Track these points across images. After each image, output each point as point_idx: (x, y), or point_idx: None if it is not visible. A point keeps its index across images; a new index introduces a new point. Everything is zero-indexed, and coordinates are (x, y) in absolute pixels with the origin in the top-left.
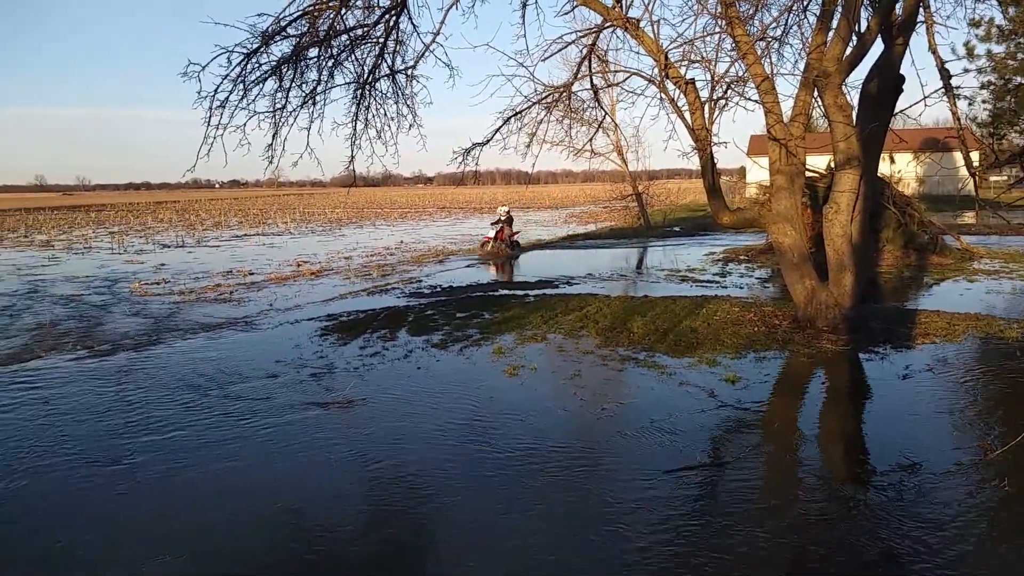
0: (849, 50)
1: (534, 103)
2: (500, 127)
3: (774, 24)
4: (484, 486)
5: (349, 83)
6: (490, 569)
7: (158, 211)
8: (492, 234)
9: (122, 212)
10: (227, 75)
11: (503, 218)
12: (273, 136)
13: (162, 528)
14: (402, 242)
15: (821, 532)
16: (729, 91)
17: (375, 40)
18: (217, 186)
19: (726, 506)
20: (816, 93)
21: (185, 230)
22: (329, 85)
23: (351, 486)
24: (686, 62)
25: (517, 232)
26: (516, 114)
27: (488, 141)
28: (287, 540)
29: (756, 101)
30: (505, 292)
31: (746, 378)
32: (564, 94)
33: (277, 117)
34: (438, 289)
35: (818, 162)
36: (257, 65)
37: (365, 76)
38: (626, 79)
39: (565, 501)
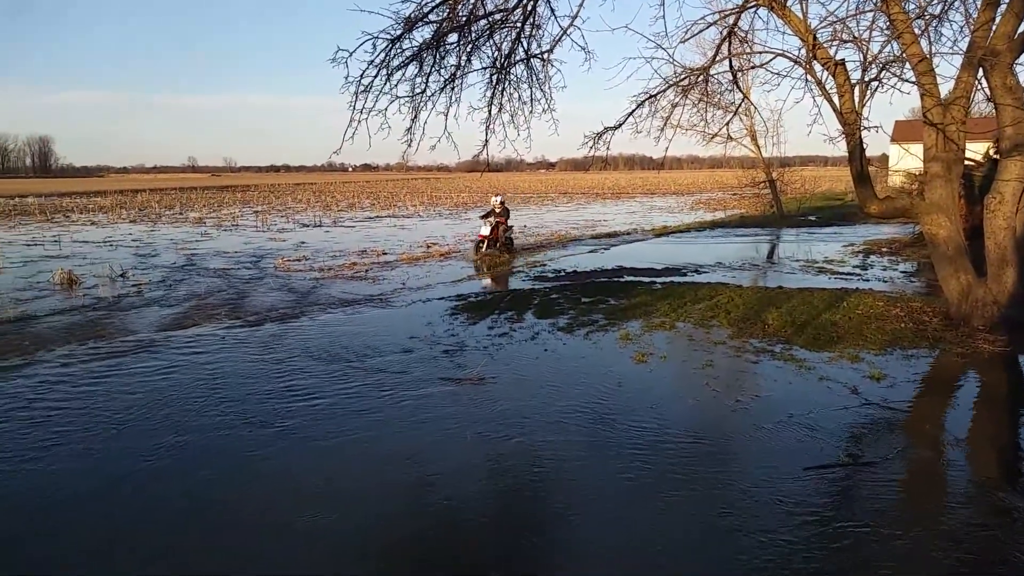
0: (1023, 28)
1: (670, 86)
2: (633, 111)
3: (934, 0)
4: (609, 471)
5: (485, 68)
6: (608, 551)
7: (297, 192)
8: (487, 231)
9: (265, 193)
10: (372, 61)
11: (497, 210)
12: (412, 120)
13: (311, 488)
14: (525, 227)
15: (977, 542)
16: (882, 73)
17: (512, 24)
18: (350, 169)
19: (870, 509)
20: (980, 74)
21: (322, 211)
22: (467, 70)
23: (483, 461)
24: (836, 42)
25: (511, 228)
26: (650, 97)
27: (621, 125)
28: (423, 507)
29: (912, 83)
30: (631, 279)
31: (892, 376)
32: (701, 77)
33: (417, 101)
34: (562, 273)
35: (974, 149)
36: (400, 51)
37: (501, 61)
38: (769, 61)
39: (694, 493)
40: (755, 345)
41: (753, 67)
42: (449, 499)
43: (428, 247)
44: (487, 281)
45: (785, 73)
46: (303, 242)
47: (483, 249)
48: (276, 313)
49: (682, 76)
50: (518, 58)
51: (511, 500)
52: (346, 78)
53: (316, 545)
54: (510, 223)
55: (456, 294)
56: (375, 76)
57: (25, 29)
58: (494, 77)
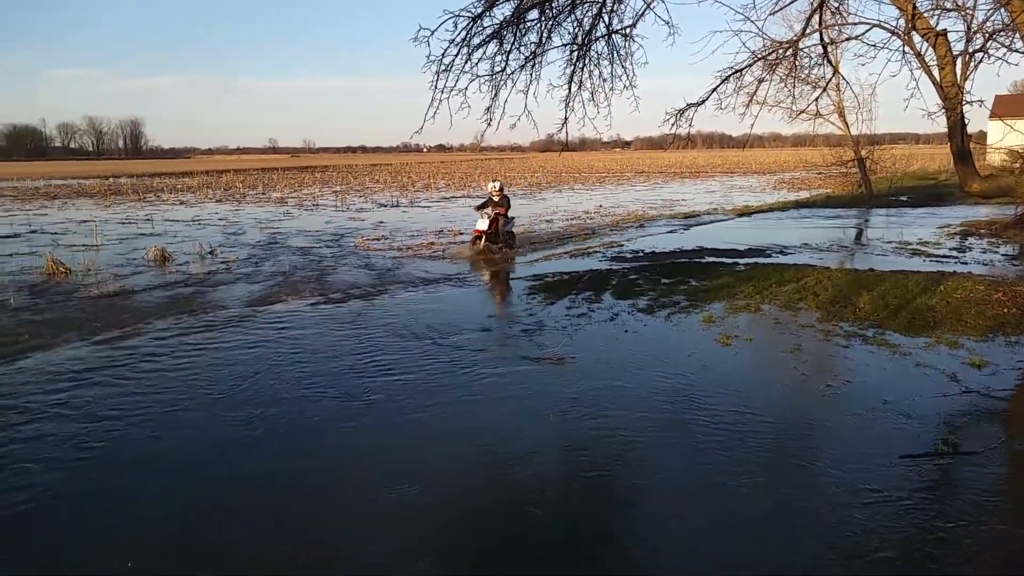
0: None
1: (756, 60)
2: (717, 86)
3: None
4: (691, 453)
5: (566, 44)
6: (687, 537)
7: (373, 173)
8: (484, 225)
9: (343, 173)
10: (452, 39)
11: (495, 198)
12: (492, 99)
13: (394, 461)
14: (601, 206)
15: None
16: (988, 43)
17: (594, 0)
18: (425, 150)
19: (973, 501)
20: None
21: (398, 191)
22: (547, 47)
23: (562, 439)
24: (937, 11)
25: (512, 219)
26: (735, 72)
27: (704, 101)
28: (502, 482)
29: (1022, 53)
30: (712, 260)
31: (995, 363)
32: (790, 51)
33: (497, 80)
34: (640, 254)
35: None
36: (481, 28)
37: (582, 37)
38: (863, 32)
39: (780, 477)
40: (845, 329)
41: (846, 39)
42: (528, 476)
43: None
44: (564, 261)
45: (881, 45)
46: (381, 222)
47: (481, 244)
48: (358, 290)
49: (769, 50)
50: (599, 34)
51: (590, 478)
52: (427, 57)
53: (400, 517)
54: (511, 214)
55: (533, 274)
56: (456, 55)
57: (117, 14)
58: (574, 54)
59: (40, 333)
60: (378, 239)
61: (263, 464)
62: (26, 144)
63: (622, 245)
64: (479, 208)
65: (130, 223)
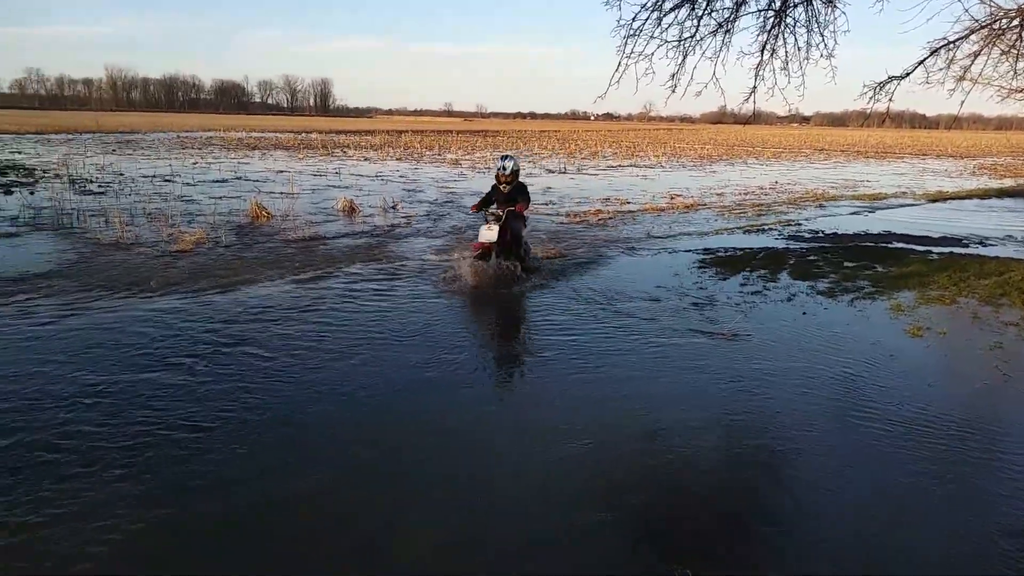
0: None
1: (976, 30)
2: (925, 59)
3: None
4: (868, 444)
5: (762, 10)
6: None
7: (541, 139)
8: (490, 236)
9: (512, 138)
10: (644, 4)
11: (504, 184)
12: (679, 65)
13: (559, 418)
14: (776, 182)
15: None
16: None
17: None
18: (592, 118)
19: None
20: None
21: (565, 158)
22: (741, 12)
23: (726, 416)
24: None
25: (525, 220)
26: (948, 44)
27: (908, 74)
28: (659, 452)
29: None
30: (901, 245)
31: None
32: (1017, 20)
33: (685, 45)
34: (820, 234)
35: None
36: None
37: (780, 2)
38: None
39: (973, 484)
40: None
41: None
42: (685, 447)
43: (672, 198)
44: (737, 237)
45: None
46: (549, 187)
47: (491, 261)
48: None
49: (994, 18)
50: (798, 0)
51: (748, 459)
52: (618, 21)
53: (562, 469)
54: (528, 211)
55: (703, 248)
56: (645, 20)
57: None
58: (770, 20)
59: (248, 269)
60: (546, 204)
61: (438, 409)
62: (231, 99)
63: (800, 224)
64: (479, 208)
65: (320, 175)
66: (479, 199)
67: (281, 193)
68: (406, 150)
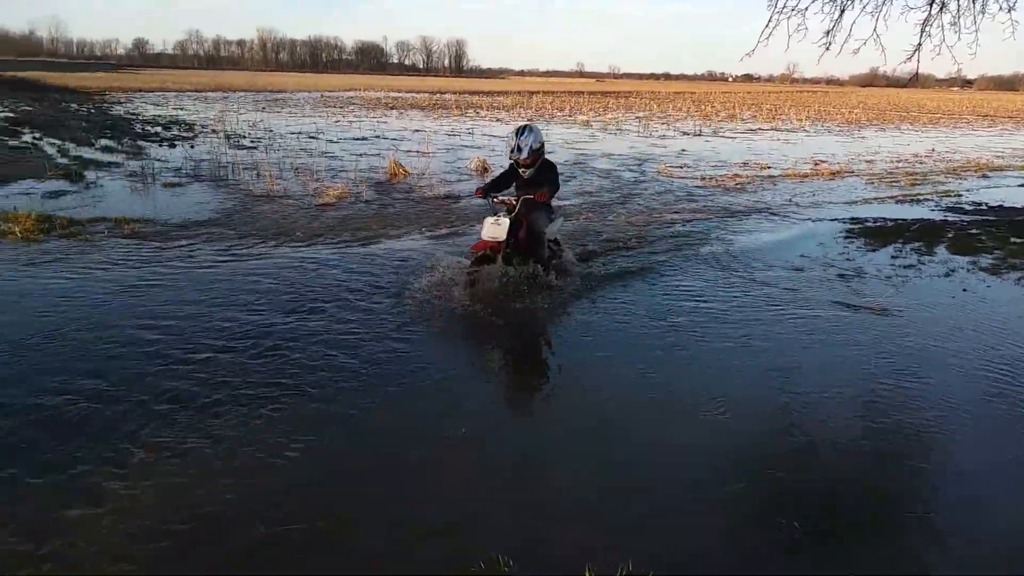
0: None
1: None
2: None
3: None
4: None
5: None
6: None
7: (676, 100)
8: (497, 232)
9: (645, 100)
10: None
11: (523, 169)
12: (835, 21)
13: (691, 388)
14: (933, 150)
15: None
16: None
17: None
18: (730, 79)
19: None
20: None
21: (701, 120)
22: None
23: (866, 394)
24: None
25: (557, 210)
26: None
27: None
28: (793, 427)
29: None
30: None
31: None
32: None
33: (842, 1)
34: (983, 207)
35: None
36: None
37: None
38: None
39: None
40: None
41: None
42: (823, 422)
43: (816, 164)
44: (888, 206)
45: None
46: (684, 150)
47: (496, 265)
48: (656, 214)
49: None
50: None
51: (883, 443)
52: None
53: (682, 445)
54: (557, 203)
55: (850, 216)
56: None
57: None
58: None
59: (387, 224)
60: (680, 167)
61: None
62: (371, 59)
63: (960, 195)
64: (485, 193)
65: (454, 135)
66: (493, 179)
67: (417, 152)
68: (537, 111)
